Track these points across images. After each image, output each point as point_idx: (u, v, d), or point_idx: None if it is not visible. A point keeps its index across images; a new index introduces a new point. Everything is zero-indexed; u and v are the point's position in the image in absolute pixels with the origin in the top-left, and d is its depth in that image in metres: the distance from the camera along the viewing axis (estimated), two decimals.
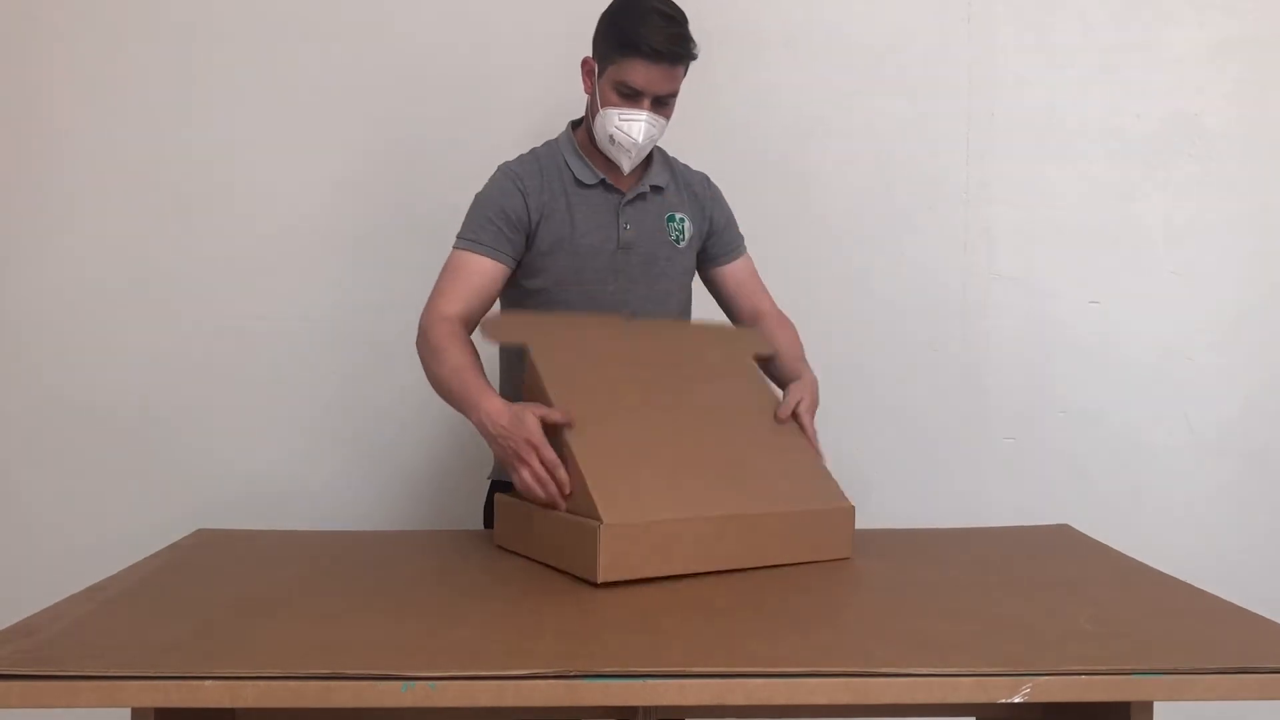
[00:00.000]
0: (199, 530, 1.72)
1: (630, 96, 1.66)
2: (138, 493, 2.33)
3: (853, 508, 1.56)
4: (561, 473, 1.43)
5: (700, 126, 2.34)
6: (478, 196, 1.76)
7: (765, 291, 1.93)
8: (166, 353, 2.33)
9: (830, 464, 1.61)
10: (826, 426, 2.38)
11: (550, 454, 1.43)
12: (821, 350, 2.28)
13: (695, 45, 1.67)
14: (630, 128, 1.67)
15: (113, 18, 2.30)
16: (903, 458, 2.43)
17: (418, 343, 1.70)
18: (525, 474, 1.45)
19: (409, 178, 2.34)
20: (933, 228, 2.41)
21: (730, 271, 1.90)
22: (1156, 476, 2.44)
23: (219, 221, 2.33)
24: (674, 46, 1.63)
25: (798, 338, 1.88)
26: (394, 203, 2.34)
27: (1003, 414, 2.44)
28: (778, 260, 2.32)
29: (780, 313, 1.90)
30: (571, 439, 1.45)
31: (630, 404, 1.53)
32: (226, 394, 2.34)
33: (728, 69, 2.36)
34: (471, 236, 1.72)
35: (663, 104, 1.69)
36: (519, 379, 1.60)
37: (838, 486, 1.59)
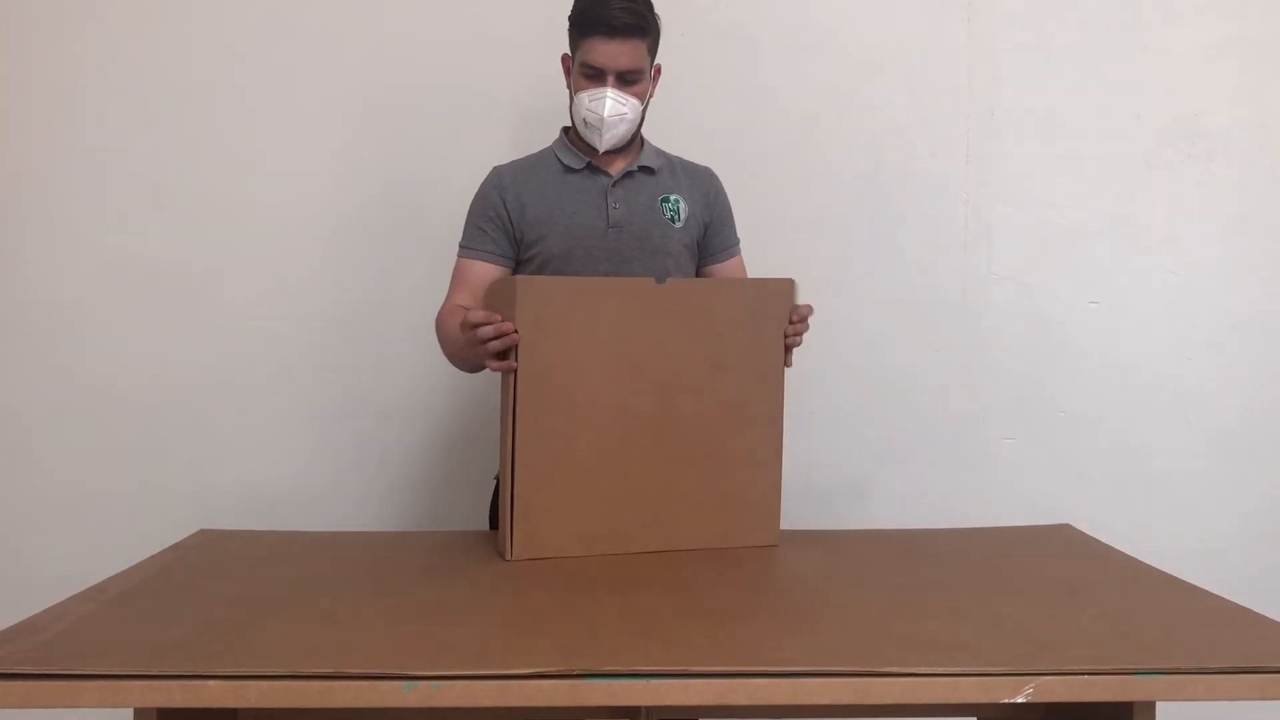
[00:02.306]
0: (201, 530, 1.72)
1: (594, 77, 1.73)
2: (139, 493, 2.33)
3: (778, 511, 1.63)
4: (507, 327, 1.45)
5: (700, 126, 2.35)
6: (471, 203, 1.86)
7: None
8: (168, 353, 2.33)
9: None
10: (826, 426, 2.41)
11: (488, 330, 1.46)
12: (822, 350, 2.28)
13: (652, 21, 1.74)
14: (596, 105, 1.73)
15: (120, 20, 2.29)
16: (903, 458, 2.43)
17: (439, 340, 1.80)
18: (493, 362, 1.49)
19: (412, 179, 2.34)
20: (933, 228, 2.41)
21: (720, 271, 1.93)
22: (1156, 476, 2.44)
23: (220, 222, 2.33)
24: (627, 17, 1.69)
25: None
26: (396, 204, 2.34)
27: (1003, 414, 2.44)
28: (778, 260, 2.32)
29: None
30: (518, 447, 1.49)
31: (602, 409, 1.53)
32: (228, 394, 2.34)
33: (728, 69, 2.36)
34: (465, 244, 1.84)
35: (628, 82, 1.74)
36: None
37: (777, 511, 1.64)
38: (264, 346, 2.34)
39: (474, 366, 1.73)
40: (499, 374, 1.52)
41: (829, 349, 2.34)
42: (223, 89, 2.32)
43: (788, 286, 1.60)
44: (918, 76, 2.40)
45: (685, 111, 2.34)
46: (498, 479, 1.87)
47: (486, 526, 1.89)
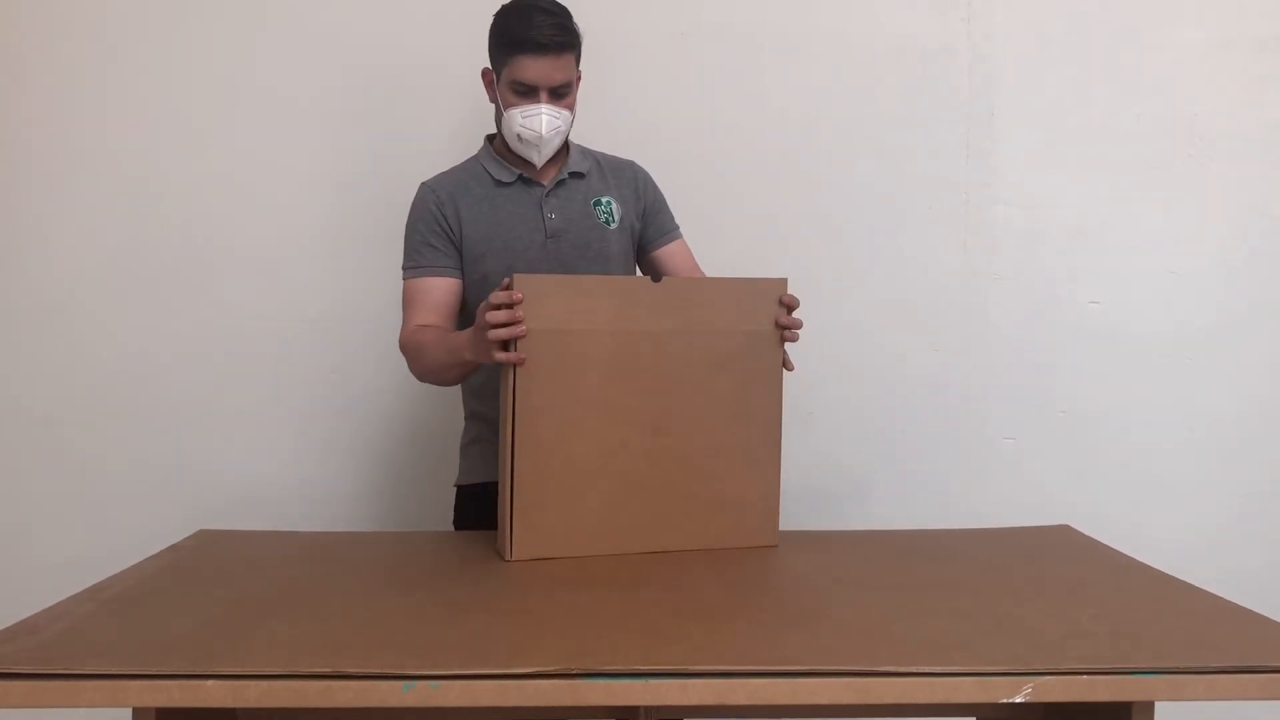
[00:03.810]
0: (200, 531, 1.72)
1: (526, 93, 1.72)
2: (138, 493, 2.33)
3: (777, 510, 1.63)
4: (519, 315, 1.44)
5: (700, 126, 2.35)
6: (406, 225, 1.83)
7: (702, 274, 1.94)
8: (167, 353, 2.33)
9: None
10: (826, 426, 2.41)
11: (491, 318, 1.44)
12: (822, 350, 2.29)
13: (577, 32, 1.74)
14: (532, 122, 1.72)
15: (114, 25, 2.29)
16: (903, 458, 2.43)
17: (407, 360, 1.76)
18: (499, 353, 1.46)
19: (409, 182, 2.33)
20: (933, 228, 2.41)
21: (667, 255, 1.92)
22: (1156, 476, 2.44)
23: (219, 222, 2.33)
24: (555, 36, 1.69)
25: None
26: (395, 204, 2.33)
27: (1003, 414, 2.44)
28: (778, 261, 2.33)
29: None
30: (517, 447, 1.48)
31: (600, 410, 1.53)
32: (227, 395, 2.34)
33: (727, 69, 2.36)
34: (411, 264, 1.80)
35: (560, 95, 1.74)
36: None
37: (775, 511, 1.63)
38: (263, 347, 2.34)
39: (458, 375, 1.72)
40: (498, 377, 1.52)
41: (829, 349, 2.34)
42: (221, 88, 2.32)
43: (781, 286, 1.61)
44: (918, 76, 2.40)
45: (684, 112, 2.35)
46: (457, 486, 1.90)
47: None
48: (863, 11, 2.39)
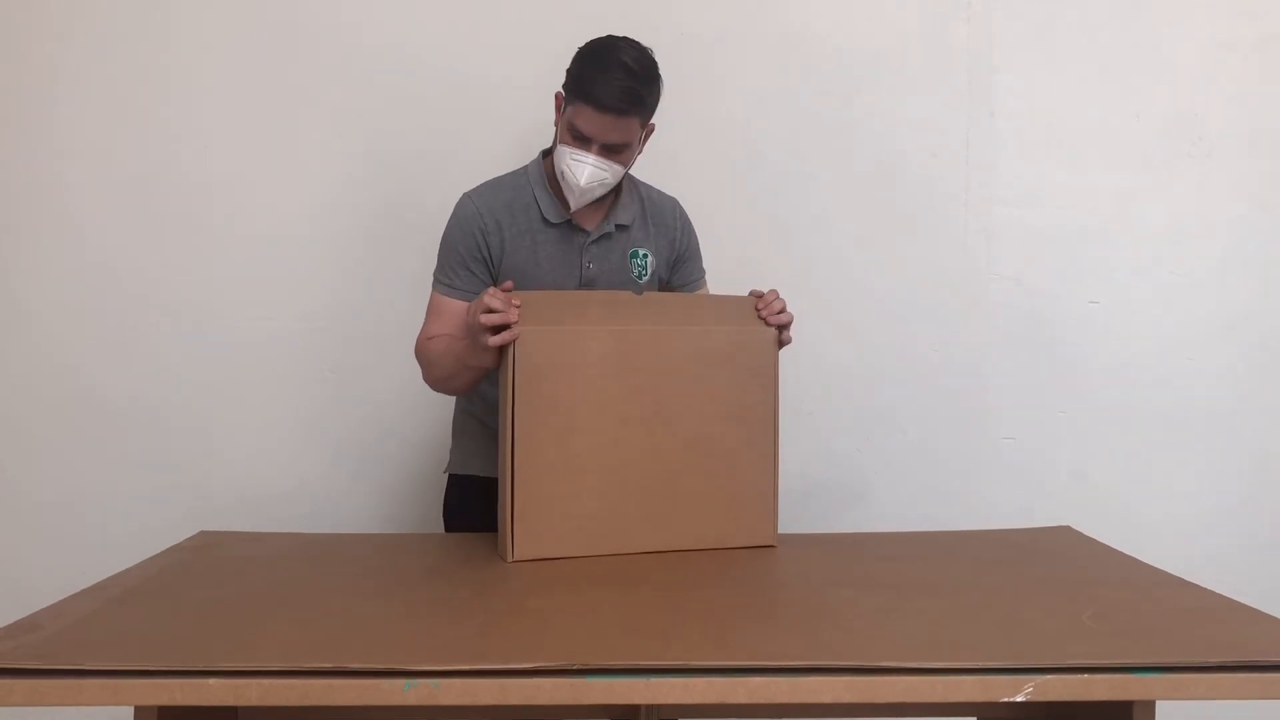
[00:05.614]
0: (201, 532, 1.72)
1: (581, 140, 1.68)
2: (139, 493, 2.32)
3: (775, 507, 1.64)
4: (512, 316, 1.49)
5: (700, 127, 2.35)
6: (445, 234, 1.81)
7: None
8: (168, 354, 2.33)
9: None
10: (827, 427, 2.41)
11: (479, 306, 1.50)
12: (821, 351, 2.29)
13: (650, 98, 1.69)
14: (577, 169, 1.68)
15: (115, 24, 2.29)
16: (903, 458, 2.43)
17: (420, 367, 1.79)
18: (491, 336, 1.49)
19: (407, 182, 2.34)
20: (933, 228, 2.41)
21: None
22: (1156, 476, 2.44)
23: (219, 224, 2.33)
24: (621, 101, 1.63)
25: None
26: (392, 206, 2.34)
27: (1003, 414, 2.44)
28: (778, 261, 2.34)
29: None
30: (516, 449, 1.50)
31: (598, 406, 1.55)
32: (228, 395, 2.34)
33: (728, 69, 2.36)
34: (446, 280, 1.79)
35: (615, 151, 1.70)
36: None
37: (773, 510, 1.64)
38: (263, 349, 2.33)
39: (467, 382, 1.73)
40: (497, 382, 1.53)
41: (829, 349, 2.34)
42: (224, 88, 2.32)
43: (750, 301, 1.65)
44: (918, 76, 2.40)
45: (684, 113, 2.34)
46: (448, 473, 1.91)
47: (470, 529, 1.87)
48: (863, 11, 2.39)
